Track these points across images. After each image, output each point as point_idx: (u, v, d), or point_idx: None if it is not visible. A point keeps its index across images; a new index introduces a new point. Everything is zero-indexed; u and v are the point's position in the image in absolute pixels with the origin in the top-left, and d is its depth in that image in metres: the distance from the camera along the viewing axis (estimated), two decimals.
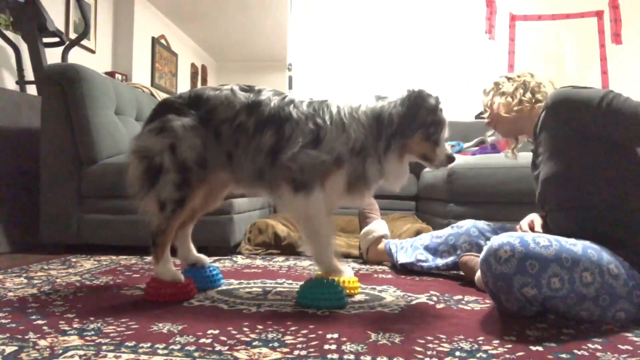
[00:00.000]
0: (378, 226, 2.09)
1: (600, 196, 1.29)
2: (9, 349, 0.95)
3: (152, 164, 1.39)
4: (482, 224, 1.81)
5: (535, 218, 1.55)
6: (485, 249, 1.24)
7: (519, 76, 1.60)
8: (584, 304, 1.19)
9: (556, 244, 1.18)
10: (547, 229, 1.47)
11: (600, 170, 1.30)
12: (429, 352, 0.98)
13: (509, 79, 1.61)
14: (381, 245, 2.04)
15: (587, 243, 1.23)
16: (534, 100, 1.53)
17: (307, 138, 1.34)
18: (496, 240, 1.21)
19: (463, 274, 1.76)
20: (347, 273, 1.53)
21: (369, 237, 2.08)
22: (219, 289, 1.55)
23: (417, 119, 1.36)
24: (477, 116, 4.68)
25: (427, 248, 1.87)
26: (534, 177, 1.55)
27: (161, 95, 3.31)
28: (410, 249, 1.91)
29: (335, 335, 1.07)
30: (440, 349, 1.00)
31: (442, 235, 1.86)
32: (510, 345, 1.03)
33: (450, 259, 1.80)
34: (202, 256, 1.62)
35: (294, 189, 1.35)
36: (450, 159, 1.42)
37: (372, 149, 1.37)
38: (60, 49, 3.49)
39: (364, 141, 1.36)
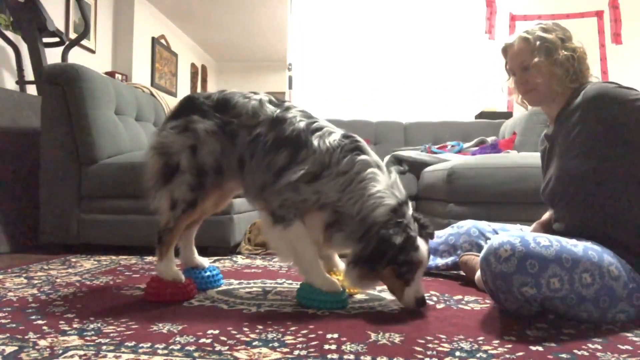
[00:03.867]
0: None
1: (615, 198, 1.28)
2: (9, 349, 0.95)
3: (169, 161, 1.40)
4: (482, 224, 1.80)
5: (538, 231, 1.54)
6: (485, 247, 1.24)
7: (570, 45, 1.38)
8: (584, 305, 1.19)
9: (557, 244, 1.18)
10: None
11: (621, 171, 1.27)
12: (429, 352, 0.98)
13: (564, 46, 1.37)
14: None
15: (589, 244, 1.23)
16: (580, 83, 1.37)
17: (311, 168, 1.29)
18: (497, 239, 1.21)
19: (463, 273, 1.76)
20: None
21: None
22: (219, 289, 1.55)
23: (383, 258, 1.23)
24: (477, 116, 4.68)
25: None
26: (544, 167, 1.50)
27: (161, 95, 3.30)
28: None
29: (335, 335, 1.07)
30: (440, 349, 1.00)
31: (442, 235, 1.85)
32: (510, 345, 1.03)
33: (450, 259, 1.80)
34: (203, 260, 1.61)
35: (273, 222, 1.32)
36: (420, 303, 1.27)
37: (350, 232, 1.28)
38: (60, 49, 3.50)
39: (348, 217, 1.28)
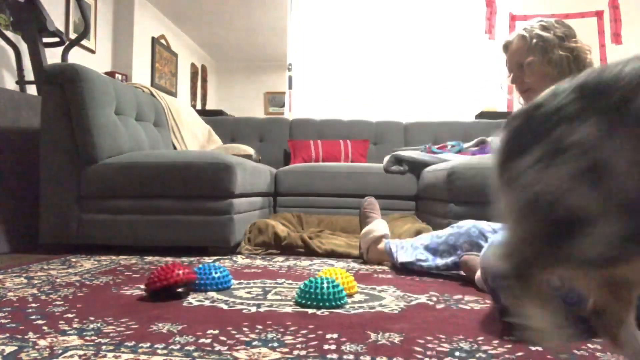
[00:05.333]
0: (378, 226, 2.09)
1: None
2: (8, 349, 0.95)
3: (557, 212, 0.72)
4: (482, 224, 1.80)
5: None
6: (486, 245, 1.24)
7: (569, 45, 1.34)
8: (584, 303, 1.19)
9: None
10: None
11: None
12: (428, 352, 0.98)
13: (561, 45, 1.33)
14: (381, 245, 2.04)
15: None
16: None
17: None
18: (498, 237, 1.22)
19: (463, 273, 1.76)
20: None
21: (369, 236, 2.08)
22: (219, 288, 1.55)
23: None
24: (477, 116, 4.68)
25: (427, 248, 1.87)
26: None
27: (161, 95, 3.28)
28: (410, 248, 1.91)
29: (335, 335, 1.07)
30: (440, 349, 1.00)
31: (442, 235, 1.86)
32: (510, 345, 1.03)
33: (450, 259, 1.80)
34: None
35: None
36: None
37: None
38: (60, 49, 3.50)
39: None
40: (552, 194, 0.69)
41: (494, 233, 1.74)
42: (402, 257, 1.91)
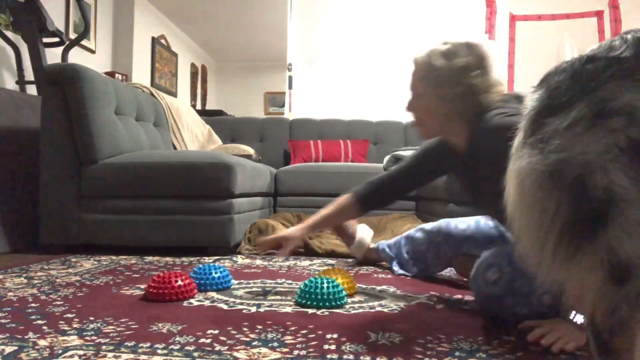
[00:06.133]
0: (364, 233, 2.08)
1: None
2: (8, 349, 0.95)
3: (586, 191, 0.59)
4: (453, 229, 1.69)
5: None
6: (474, 269, 1.23)
7: (466, 80, 1.14)
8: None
9: None
10: None
11: None
12: (428, 352, 0.98)
13: (458, 80, 1.15)
14: (373, 245, 2.05)
15: None
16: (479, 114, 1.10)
17: None
18: (484, 262, 1.21)
19: (457, 273, 1.77)
20: None
21: (364, 247, 2.07)
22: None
23: None
24: None
25: (414, 259, 1.82)
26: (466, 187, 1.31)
27: (161, 95, 3.29)
28: (402, 260, 1.88)
29: (335, 335, 1.07)
30: (440, 349, 1.00)
31: (422, 242, 1.78)
32: (510, 345, 1.03)
33: (440, 266, 1.78)
34: None
35: None
36: None
37: None
38: (60, 49, 3.50)
39: None
40: (584, 164, 0.58)
41: (473, 242, 1.66)
42: (399, 269, 1.87)
